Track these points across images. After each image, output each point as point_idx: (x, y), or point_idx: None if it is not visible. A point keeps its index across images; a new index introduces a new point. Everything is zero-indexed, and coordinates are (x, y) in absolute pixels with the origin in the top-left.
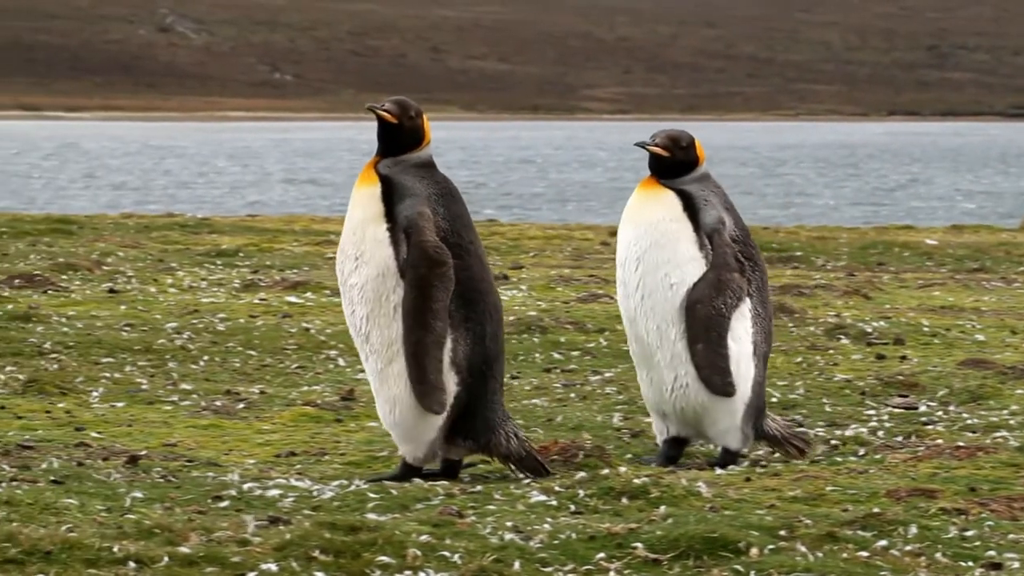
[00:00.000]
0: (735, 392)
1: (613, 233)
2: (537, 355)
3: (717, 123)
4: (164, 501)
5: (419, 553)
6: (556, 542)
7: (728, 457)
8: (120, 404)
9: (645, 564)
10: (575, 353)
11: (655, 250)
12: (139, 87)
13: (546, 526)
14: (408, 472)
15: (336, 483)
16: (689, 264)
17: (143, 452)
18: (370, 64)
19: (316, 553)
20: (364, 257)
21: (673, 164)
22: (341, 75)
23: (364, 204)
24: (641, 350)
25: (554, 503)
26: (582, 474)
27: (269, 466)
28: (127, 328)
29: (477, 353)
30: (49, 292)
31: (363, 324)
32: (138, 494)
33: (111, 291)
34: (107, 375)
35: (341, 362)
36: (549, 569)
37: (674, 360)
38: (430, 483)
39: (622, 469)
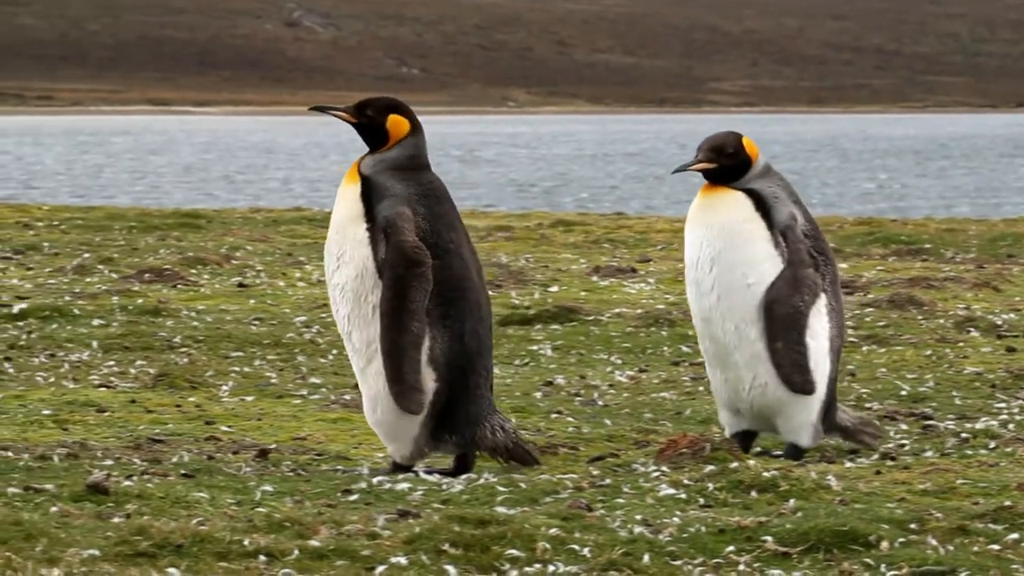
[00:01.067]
0: (815, 390)
1: None
2: (665, 348)
3: (844, 115)
4: (294, 495)
5: (548, 546)
6: (685, 535)
7: (795, 452)
8: (250, 398)
9: (775, 557)
10: None
11: (730, 251)
12: (266, 82)
13: (675, 519)
14: (397, 471)
15: (464, 476)
16: (766, 263)
17: (273, 446)
18: (496, 58)
19: (446, 546)
20: (345, 257)
21: (724, 172)
22: (468, 69)
23: (346, 203)
24: (716, 349)
25: (683, 496)
26: (711, 467)
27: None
28: (256, 322)
29: (455, 351)
30: (178, 286)
31: (345, 324)
32: (268, 487)
33: (240, 285)
34: (236, 369)
35: None
36: (678, 562)
37: (753, 359)
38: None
39: (751, 462)
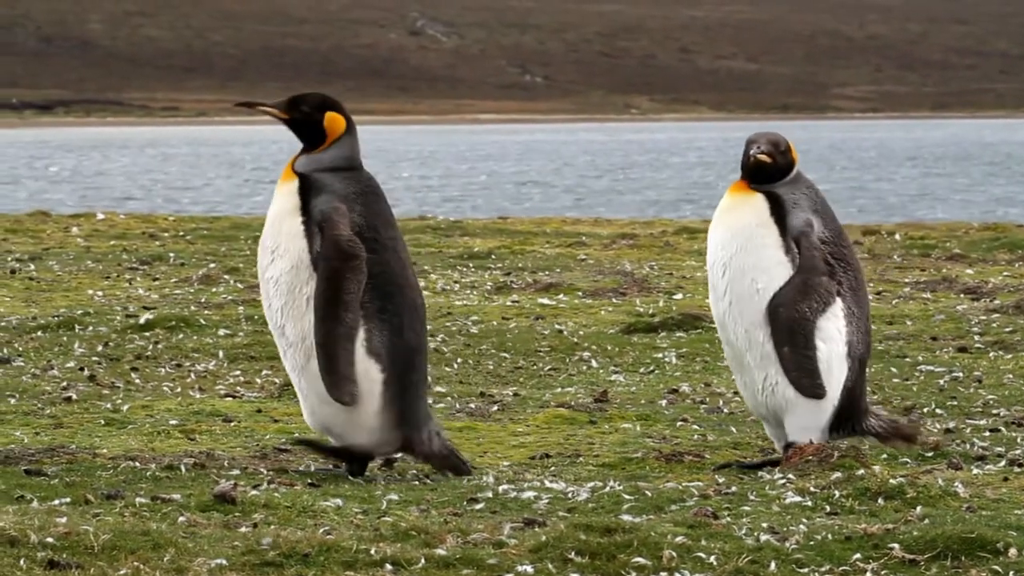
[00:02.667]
0: (825, 394)
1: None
2: None
3: (968, 120)
4: (420, 503)
5: (675, 554)
6: (812, 543)
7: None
8: None
9: (902, 565)
10: None
11: (742, 255)
12: (390, 90)
13: (801, 527)
14: (353, 467)
15: (590, 485)
16: (775, 268)
17: (398, 455)
18: (619, 65)
19: (572, 555)
20: (279, 250)
21: (775, 170)
22: (590, 76)
23: (282, 198)
24: (733, 354)
25: (809, 504)
26: (837, 474)
27: (523, 468)
28: None
29: (396, 344)
30: None
31: (278, 317)
32: (394, 496)
33: None
34: None
35: (594, 363)
36: (805, 570)
37: (764, 360)
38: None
39: (877, 469)
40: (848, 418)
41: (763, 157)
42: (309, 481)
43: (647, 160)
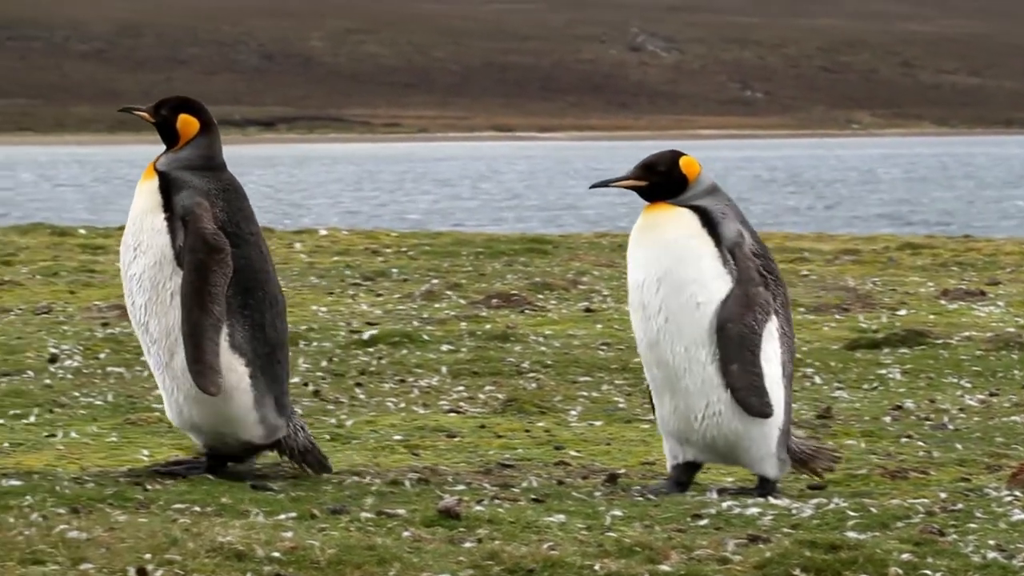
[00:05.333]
0: (772, 413)
1: None
2: (1016, 372)
3: None
4: (643, 519)
5: (900, 572)
6: None
7: (767, 486)
8: (598, 423)
9: None
10: None
11: (679, 269)
12: (611, 106)
13: None
14: (247, 455)
15: (814, 501)
16: (715, 281)
17: (622, 471)
18: (840, 80)
19: (796, 571)
20: (142, 247)
21: (654, 189)
22: (811, 92)
23: (143, 197)
24: (664, 375)
25: None
26: None
27: (747, 484)
28: (603, 347)
29: (258, 339)
30: (526, 311)
31: (141, 313)
32: (618, 512)
33: (587, 310)
34: (585, 394)
35: (817, 380)
36: None
37: (705, 385)
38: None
39: None
40: (787, 440)
41: (624, 185)
42: (533, 496)
43: (869, 174)
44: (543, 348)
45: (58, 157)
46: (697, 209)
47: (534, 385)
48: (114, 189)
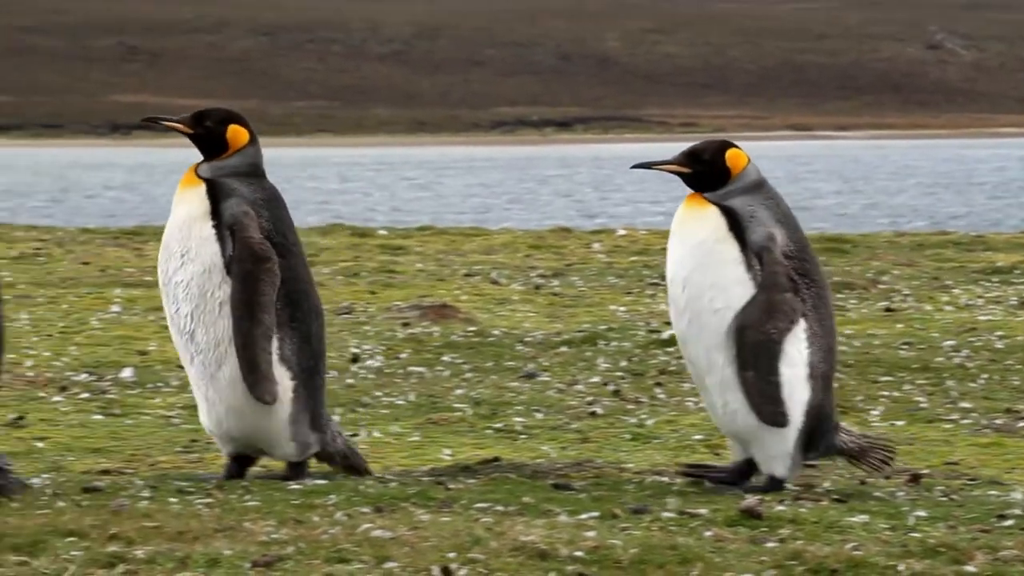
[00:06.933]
0: (787, 423)
1: None
2: None
3: None
4: (948, 520)
5: None
6: None
7: (774, 484)
8: (900, 422)
9: None
10: None
11: (700, 272)
12: (908, 105)
13: None
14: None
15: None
16: (736, 287)
17: (925, 471)
18: None
19: None
20: (190, 254)
21: (696, 178)
22: None
23: (189, 202)
24: (695, 372)
25: None
26: None
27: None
28: (904, 346)
29: (305, 352)
30: None
31: (188, 322)
32: (921, 512)
33: (887, 310)
34: (886, 394)
35: None
36: None
37: (723, 385)
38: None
39: None
40: (820, 436)
41: (668, 169)
42: (835, 497)
43: None
44: (843, 348)
45: (355, 158)
46: (727, 210)
47: (836, 385)
48: (411, 190)
